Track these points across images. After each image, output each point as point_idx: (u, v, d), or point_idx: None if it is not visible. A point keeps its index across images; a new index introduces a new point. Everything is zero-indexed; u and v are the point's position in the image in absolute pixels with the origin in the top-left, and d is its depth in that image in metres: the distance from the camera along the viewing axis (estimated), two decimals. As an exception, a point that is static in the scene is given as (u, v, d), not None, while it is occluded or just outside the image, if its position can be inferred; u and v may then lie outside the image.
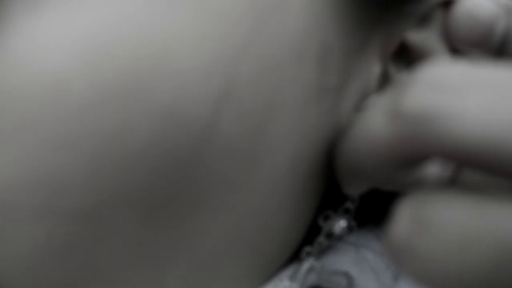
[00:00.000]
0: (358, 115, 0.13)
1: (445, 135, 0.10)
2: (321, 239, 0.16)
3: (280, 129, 0.13)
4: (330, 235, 0.16)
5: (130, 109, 0.11)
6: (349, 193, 0.15)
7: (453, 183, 0.13)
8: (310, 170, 0.14)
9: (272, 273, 0.16)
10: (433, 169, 0.13)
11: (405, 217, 0.10)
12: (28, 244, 0.11)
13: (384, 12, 0.15)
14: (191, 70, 0.11)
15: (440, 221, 0.10)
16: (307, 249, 0.16)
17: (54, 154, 0.11)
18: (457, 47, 0.15)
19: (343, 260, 0.16)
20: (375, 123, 0.12)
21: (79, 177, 0.11)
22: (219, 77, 0.11)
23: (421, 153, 0.11)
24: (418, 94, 0.11)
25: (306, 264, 0.15)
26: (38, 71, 0.10)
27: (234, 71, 0.12)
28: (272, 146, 0.13)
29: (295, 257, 0.16)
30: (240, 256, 0.14)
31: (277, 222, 0.15)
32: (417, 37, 0.15)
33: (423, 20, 0.15)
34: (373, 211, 0.17)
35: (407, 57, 0.16)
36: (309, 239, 0.16)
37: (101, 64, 0.10)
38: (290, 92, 0.13)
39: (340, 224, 0.15)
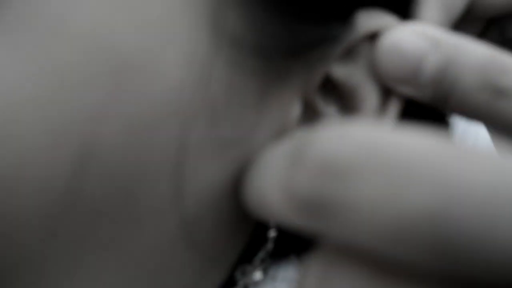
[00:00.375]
0: (258, 162, 0.12)
1: (339, 229, 0.10)
2: None
3: (161, 189, 0.12)
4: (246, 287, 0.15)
5: None
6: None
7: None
8: (212, 228, 0.14)
9: None
10: None
11: (313, 274, 0.10)
12: None
13: (292, 59, 0.13)
14: (37, 136, 0.10)
15: (340, 285, 0.10)
16: None
17: None
18: (386, 84, 0.14)
19: None
20: (269, 190, 0.11)
21: None
22: (74, 141, 0.11)
23: (319, 236, 0.11)
24: (306, 174, 0.10)
25: None
26: None
27: (93, 133, 0.11)
28: (153, 207, 0.12)
29: None
30: None
31: (176, 283, 0.14)
32: (341, 71, 0.14)
33: (349, 54, 0.14)
34: (294, 242, 0.16)
35: (335, 88, 0.15)
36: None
37: None
38: (169, 151, 0.12)
39: (256, 276, 0.14)
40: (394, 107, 0.14)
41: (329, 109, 0.15)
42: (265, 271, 0.15)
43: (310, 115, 0.15)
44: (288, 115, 0.14)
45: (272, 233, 0.15)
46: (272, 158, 0.11)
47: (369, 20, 0.14)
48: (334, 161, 0.09)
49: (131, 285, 0.13)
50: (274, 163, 0.11)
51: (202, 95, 0.12)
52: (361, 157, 0.09)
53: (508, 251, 0.08)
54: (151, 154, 0.12)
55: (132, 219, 0.12)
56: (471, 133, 0.23)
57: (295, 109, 0.14)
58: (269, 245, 0.15)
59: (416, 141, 0.09)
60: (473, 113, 0.13)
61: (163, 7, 0.11)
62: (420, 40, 0.13)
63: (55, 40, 0.11)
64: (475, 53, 0.13)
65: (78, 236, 0.11)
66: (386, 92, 0.14)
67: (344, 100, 0.15)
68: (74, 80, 0.11)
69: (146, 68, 0.11)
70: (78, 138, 0.11)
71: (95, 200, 0.11)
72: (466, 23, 0.16)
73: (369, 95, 0.14)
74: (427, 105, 0.14)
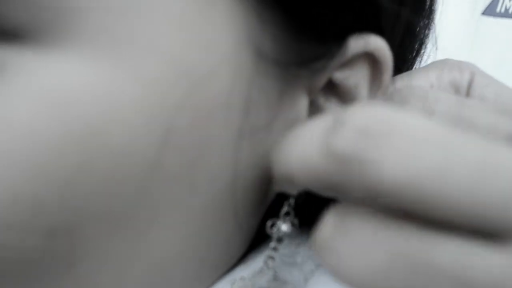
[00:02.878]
0: (295, 130, 0.15)
1: (367, 179, 0.12)
2: (272, 244, 0.19)
3: (215, 162, 0.16)
4: (280, 239, 0.18)
5: (91, 151, 0.14)
6: (286, 191, 0.18)
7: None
8: (247, 190, 0.18)
9: (219, 277, 0.19)
10: None
11: (329, 222, 0.13)
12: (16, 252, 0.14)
13: (302, 67, 0.17)
14: (136, 123, 0.14)
15: (355, 230, 0.13)
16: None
17: (33, 181, 0.14)
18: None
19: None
20: (309, 152, 0.14)
21: (52, 200, 0.14)
22: (159, 127, 0.15)
23: (346, 189, 0.13)
24: (347, 137, 0.13)
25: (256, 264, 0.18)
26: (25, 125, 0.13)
27: (172, 122, 0.15)
28: (210, 175, 0.16)
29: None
30: (187, 266, 0.18)
31: (220, 236, 0.18)
32: (340, 76, 0.18)
33: (348, 62, 0.18)
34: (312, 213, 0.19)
35: (335, 89, 0.19)
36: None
37: (71, 119, 0.14)
38: (221, 134, 0.16)
39: (282, 228, 0.17)
40: (380, 99, 0.19)
41: (330, 104, 0.19)
42: (292, 224, 0.18)
43: (314, 109, 0.19)
44: (298, 110, 0.18)
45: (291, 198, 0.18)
46: (311, 129, 0.14)
47: (362, 40, 0.18)
48: (368, 127, 0.12)
49: (187, 241, 0.17)
50: (314, 131, 0.14)
51: (244, 94, 0.16)
52: (385, 126, 0.12)
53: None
54: (210, 137, 0.16)
55: (195, 185, 0.16)
56: None
57: (304, 105, 0.18)
58: (291, 200, 0.18)
59: (414, 118, 0.13)
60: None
61: (221, 33, 0.15)
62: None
63: (146, 60, 0.14)
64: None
65: (157, 197, 0.16)
66: (374, 88, 0.19)
67: (342, 97, 0.19)
68: (160, 86, 0.15)
69: (209, 74, 0.15)
70: (162, 126, 0.15)
71: (170, 170, 0.15)
72: None
73: (362, 92, 0.18)
74: None
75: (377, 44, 0.18)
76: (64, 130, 0.14)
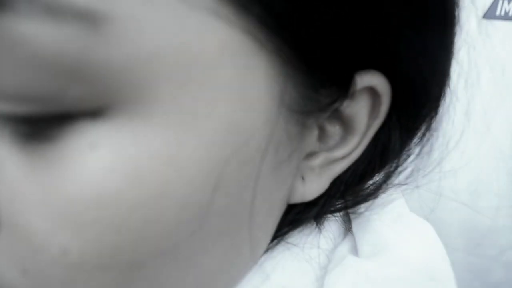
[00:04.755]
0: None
1: None
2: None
3: (259, 193, 0.20)
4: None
5: (160, 206, 0.17)
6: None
7: None
8: (279, 209, 0.22)
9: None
10: None
11: None
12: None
13: (315, 111, 0.20)
14: (195, 179, 0.17)
15: None
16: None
17: (115, 232, 0.17)
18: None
19: None
20: None
21: (128, 245, 0.17)
22: (212, 179, 0.18)
23: None
24: None
25: None
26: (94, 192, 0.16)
27: (222, 172, 0.18)
28: (248, 208, 0.20)
29: None
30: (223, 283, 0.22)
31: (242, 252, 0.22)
32: (345, 106, 0.21)
33: (352, 95, 0.21)
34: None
35: (339, 115, 0.21)
36: None
37: (148, 182, 0.17)
38: (258, 175, 0.19)
39: None
40: (375, 128, 0.22)
41: (335, 129, 0.22)
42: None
43: (321, 133, 0.22)
44: (311, 139, 0.21)
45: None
46: None
47: (366, 77, 0.20)
48: None
49: (224, 264, 0.21)
50: None
51: (275, 140, 0.19)
52: None
53: None
54: (252, 175, 0.19)
55: (238, 220, 0.20)
56: None
57: (315, 135, 0.21)
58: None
59: None
60: None
61: (260, 94, 0.18)
62: None
63: (206, 125, 0.17)
64: None
65: (206, 236, 0.19)
66: (373, 117, 0.21)
67: (345, 122, 0.22)
68: (216, 146, 0.17)
69: (251, 132, 0.18)
70: (214, 177, 0.18)
71: (223, 211, 0.19)
72: None
73: (362, 120, 0.21)
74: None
75: (378, 80, 0.20)
76: (142, 191, 0.16)
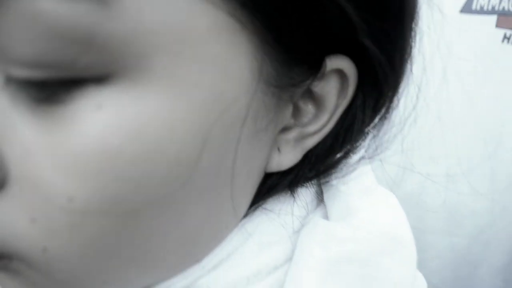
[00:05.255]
0: None
1: None
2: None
3: (240, 156, 0.23)
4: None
5: (155, 159, 0.20)
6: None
7: None
8: (258, 175, 0.26)
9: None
10: None
11: None
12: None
13: (289, 83, 0.23)
14: (185, 138, 0.20)
15: None
16: None
17: (115, 181, 0.19)
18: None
19: None
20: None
21: (127, 193, 0.20)
22: (199, 139, 0.21)
23: None
24: None
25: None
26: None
27: (208, 134, 0.21)
28: (230, 168, 0.23)
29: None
30: (209, 232, 0.25)
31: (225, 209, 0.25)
32: (317, 86, 0.24)
33: (323, 76, 0.24)
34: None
35: (311, 95, 0.25)
36: None
37: (145, 138, 0.19)
38: (239, 139, 0.22)
39: None
40: (343, 106, 0.25)
41: (308, 108, 0.25)
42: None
43: (295, 110, 0.25)
44: (286, 114, 0.24)
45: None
46: None
47: (335, 60, 0.23)
48: None
49: (209, 217, 0.24)
50: None
51: (255, 110, 0.22)
52: None
53: None
54: (233, 139, 0.22)
55: (220, 176, 0.23)
56: None
57: (289, 110, 0.24)
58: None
59: None
60: None
61: (242, 68, 0.21)
62: None
63: (195, 92, 0.20)
64: None
65: (194, 188, 0.21)
66: (341, 97, 0.25)
67: (317, 101, 0.25)
68: (204, 111, 0.20)
69: (234, 101, 0.21)
70: (201, 138, 0.21)
71: (207, 168, 0.21)
72: None
73: (332, 99, 0.24)
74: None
75: (346, 64, 0.24)
76: (140, 147, 0.19)
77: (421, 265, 0.38)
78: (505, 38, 0.61)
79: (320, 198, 0.30)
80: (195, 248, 0.25)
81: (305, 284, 0.25)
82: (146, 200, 0.21)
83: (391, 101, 0.27)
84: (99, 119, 0.19)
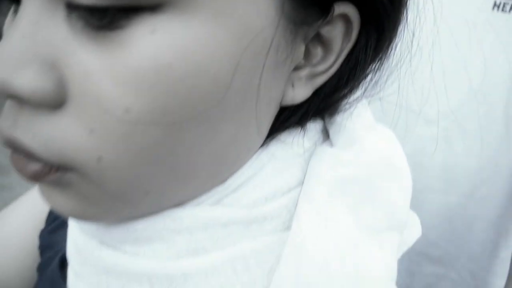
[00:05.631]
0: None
1: None
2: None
3: (263, 83, 0.27)
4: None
5: (198, 77, 0.23)
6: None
7: None
8: (275, 106, 0.29)
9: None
10: None
11: None
12: None
13: (302, 24, 0.27)
14: (223, 60, 0.24)
15: None
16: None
17: (165, 95, 0.23)
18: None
19: None
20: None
21: (174, 105, 0.23)
22: (233, 61, 0.24)
23: None
24: None
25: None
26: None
27: (240, 58, 0.24)
28: (256, 91, 0.27)
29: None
30: (238, 150, 0.28)
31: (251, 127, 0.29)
32: (325, 30, 0.28)
33: (331, 21, 0.28)
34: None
35: (320, 39, 0.29)
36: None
37: (191, 58, 0.23)
38: (265, 63, 0.26)
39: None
40: (347, 49, 0.29)
41: (317, 51, 0.29)
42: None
43: (307, 54, 0.29)
44: (299, 53, 0.28)
45: None
46: None
47: (342, 6, 0.27)
48: None
49: (238, 135, 0.28)
50: None
51: (277, 41, 0.26)
52: None
53: None
54: (259, 66, 0.26)
55: (249, 97, 0.26)
56: None
57: (302, 50, 0.28)
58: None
59: None
60: None
61: (268, 3, 0.25)
62: None
63: (230, 21, 0.24)
64: None
65: (227, 106, 0.25)
66: (346, 41, 0.29)
67: (325, 45, 0.29)
68: (237, 38, 0.24)
69: (262, 31, 0.25)
70: (235, 60, 0.24)
71: (238, 88, 0.25)
72: None
73: (338, 43, 0.28)
74: None
75: (351, 9, 0.27)
76: (186, 66, 0.23)
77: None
78: (495, 6, 0.64)
79: (326, 135, 0.34)
80: (222, 166, 0.28)
81: (317, 196, 0.29)
82: (188, 114, 0.24)
83: (390, 41, 0.31)
84: (153, 41, 0.22)
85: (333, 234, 0.28)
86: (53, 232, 0.46)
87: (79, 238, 0.32)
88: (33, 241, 0.48)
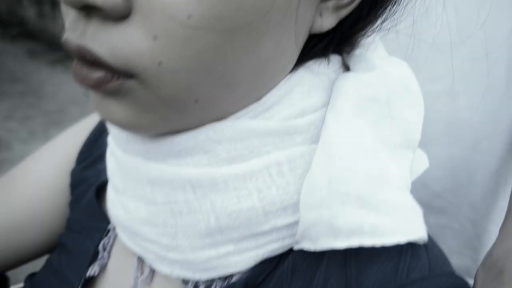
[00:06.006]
0: None
1: None
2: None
3: (300, 6, 0.32)
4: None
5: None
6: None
7: None
8: (305, 31, 0.34)
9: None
10: None
11: None
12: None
13: None
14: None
15: None
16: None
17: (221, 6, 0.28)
18: None
19: None
20: None
21: (228, 15, 0.28)
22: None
23: None
24: None
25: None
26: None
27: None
28: (298, 14, 0.32)
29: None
30: (278, 64, 0.33)
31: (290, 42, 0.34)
32: None
33: None
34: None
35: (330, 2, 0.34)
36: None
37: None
38: (282, 7, 0.31)
39: None
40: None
41: (329, 3, 0.34)
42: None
43: (321, 6, 0.34)
44: (314, 5, 0.33)
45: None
46: None
47: None
48: None
49: (278, 50, 0.33)
50: None
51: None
52: None
53: None
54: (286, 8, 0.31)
55: (289, 16, 0.32)
56: None
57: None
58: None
59: None
60: None
61: None
62: None
63: None
64: None
65: (271, 21, 0.30)
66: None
67: (335, 8, 0.34)
68: None
69: None
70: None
71: (280, 7, 0.30)
72: None
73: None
74: None
75: None
76: None
77: (424, 174, 0.45)
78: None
79: (346, 69, 0.38)
80: (260, 81, 0.32)
81: (343, 110, 0.33)
82: (240, 21, 0.28)
83: None
84: None
85: (358, 142, 0.32)
86: (84, 170, 0.50)
87: (122, 158, 0.35)
88: (65, 180, 0.52)
